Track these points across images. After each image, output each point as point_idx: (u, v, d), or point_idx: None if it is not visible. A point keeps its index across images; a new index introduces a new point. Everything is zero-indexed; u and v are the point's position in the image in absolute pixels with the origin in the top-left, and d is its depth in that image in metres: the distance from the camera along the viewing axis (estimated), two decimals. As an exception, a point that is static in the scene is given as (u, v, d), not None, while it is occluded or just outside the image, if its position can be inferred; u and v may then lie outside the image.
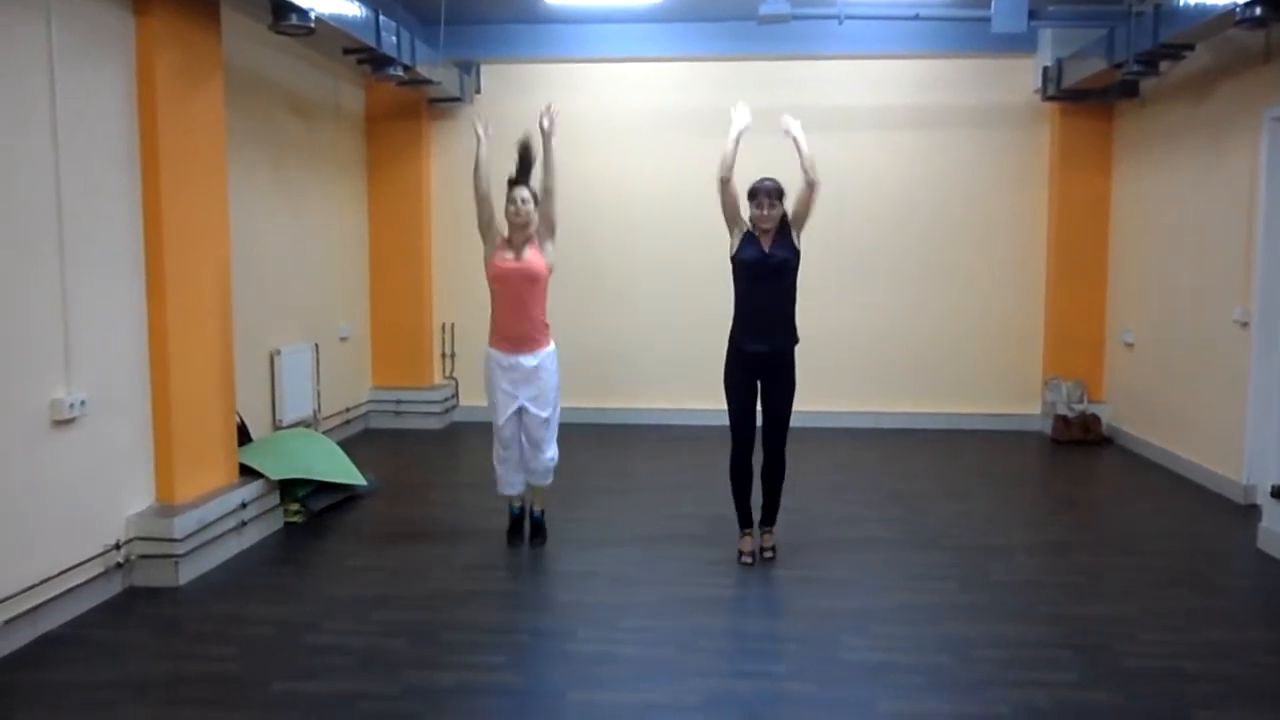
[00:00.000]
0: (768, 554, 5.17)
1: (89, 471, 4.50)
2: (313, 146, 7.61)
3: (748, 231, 4.95)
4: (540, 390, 5.17)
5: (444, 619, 4.40)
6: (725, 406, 5.09)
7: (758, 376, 5.02)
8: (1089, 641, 4.15)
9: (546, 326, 5.22)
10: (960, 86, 8.50)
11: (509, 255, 5.10)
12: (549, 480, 5.39)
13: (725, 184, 4.95)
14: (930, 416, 8.67)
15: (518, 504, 5.45)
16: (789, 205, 4.96)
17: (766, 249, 4.91)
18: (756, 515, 5.25)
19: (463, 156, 8.81)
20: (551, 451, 5.29)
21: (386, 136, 8.66)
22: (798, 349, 5.08)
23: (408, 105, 8.58)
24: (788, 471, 5.20)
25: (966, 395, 8.70)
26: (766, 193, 4.88)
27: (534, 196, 5.09)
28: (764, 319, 4.95)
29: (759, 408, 5.09)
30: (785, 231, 4.95)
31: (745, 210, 4.97)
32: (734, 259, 4.97)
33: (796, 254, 4.95)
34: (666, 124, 8.70)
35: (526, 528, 5.47)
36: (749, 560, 5.10)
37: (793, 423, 5.13)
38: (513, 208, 5.06)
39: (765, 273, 4.90)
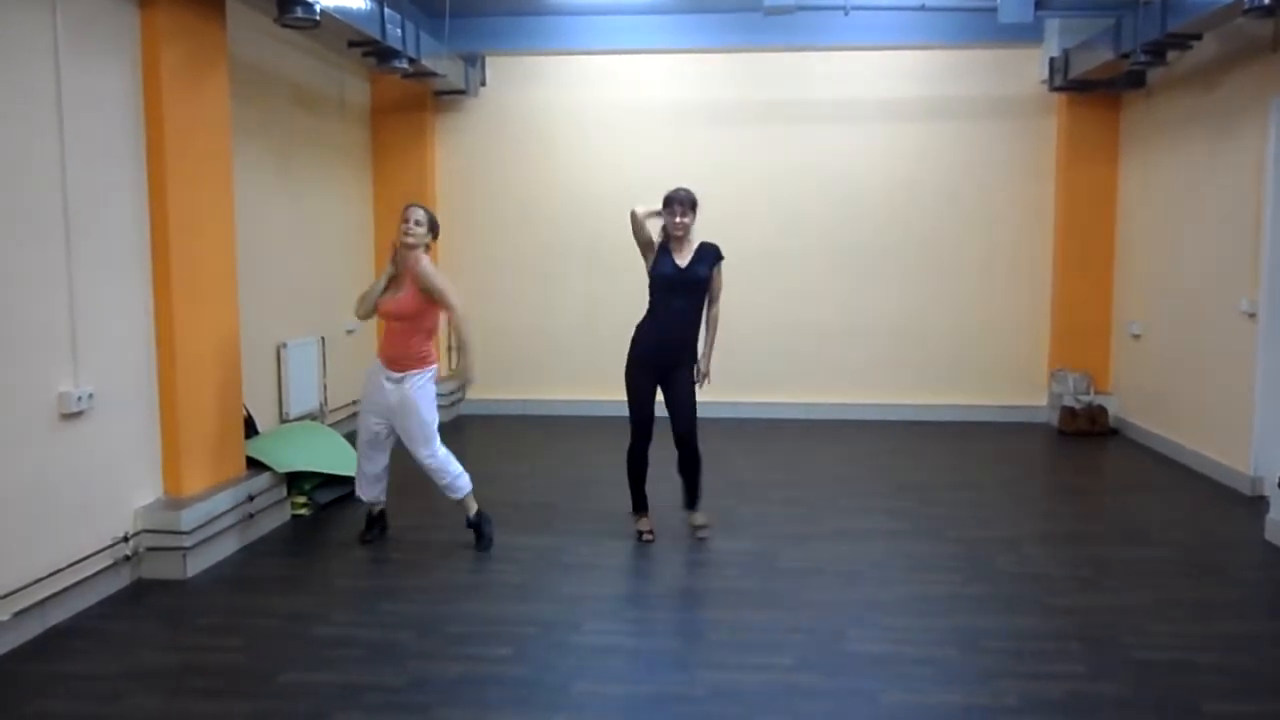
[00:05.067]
0: (703, 534, 5.33)
1: (97, 465, 4.51)
2: (318, 139, 7.61)
3: (662, 244, 5.17)
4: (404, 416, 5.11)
5: (450, 611, 4.41)
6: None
7: (658, 377, 5.23)
8: (1097, 633, 4.14)
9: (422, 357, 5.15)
10: (967, 77, 8.47)
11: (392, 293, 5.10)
12: (456, 493, 5.26)
13: (636, 219, 5.15)
14: (936, 408, 8.65)
15: (377, 509, 5.43)
16: (713, 279, 5.19)
17: (684, 265, 5.12)
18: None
19: (468, 149, 8.87)
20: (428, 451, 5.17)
21: (392, 129, 8.66)
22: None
23: (413, 98, 8.58)
24: (704, 460, 5.40)
25: (973, 387, 8.69)
26: (680, 201, 5.11)
27: (428, 219, 5.12)
28: (673, 329, 5.17)
29: (660, 406, 5.27)
30: (705, 253, 5.17)
31: (656, 231, 5.18)
32: (651, 273, 5.20)
33: (710, 275, 5.17)
34: (671, 116, 8.70)
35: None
36: (650, 537, 5.32)
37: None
38: (404, 226, 5.05)
39: (680, 286, 5.12)
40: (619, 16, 8.14)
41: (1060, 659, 3.91)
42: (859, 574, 4.86)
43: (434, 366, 5.20)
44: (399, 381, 5.09)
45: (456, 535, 5.38)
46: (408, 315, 5.05)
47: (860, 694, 3.63)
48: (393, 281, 5.14)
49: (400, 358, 5.08)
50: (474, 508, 5.30)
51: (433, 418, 5.17)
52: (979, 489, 6.44)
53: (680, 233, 5.11)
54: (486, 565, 5.03)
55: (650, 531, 5.36)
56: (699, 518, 5.38)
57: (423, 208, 5.15)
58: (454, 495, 5.26)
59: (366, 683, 3.71)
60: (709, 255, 5.17)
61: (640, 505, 5.43)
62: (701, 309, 5.22)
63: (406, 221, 5.06)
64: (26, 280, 4.13)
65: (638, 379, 5.24)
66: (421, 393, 5.11)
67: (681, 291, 5.12)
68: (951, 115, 8.53)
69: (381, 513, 5.44)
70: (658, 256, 5.16)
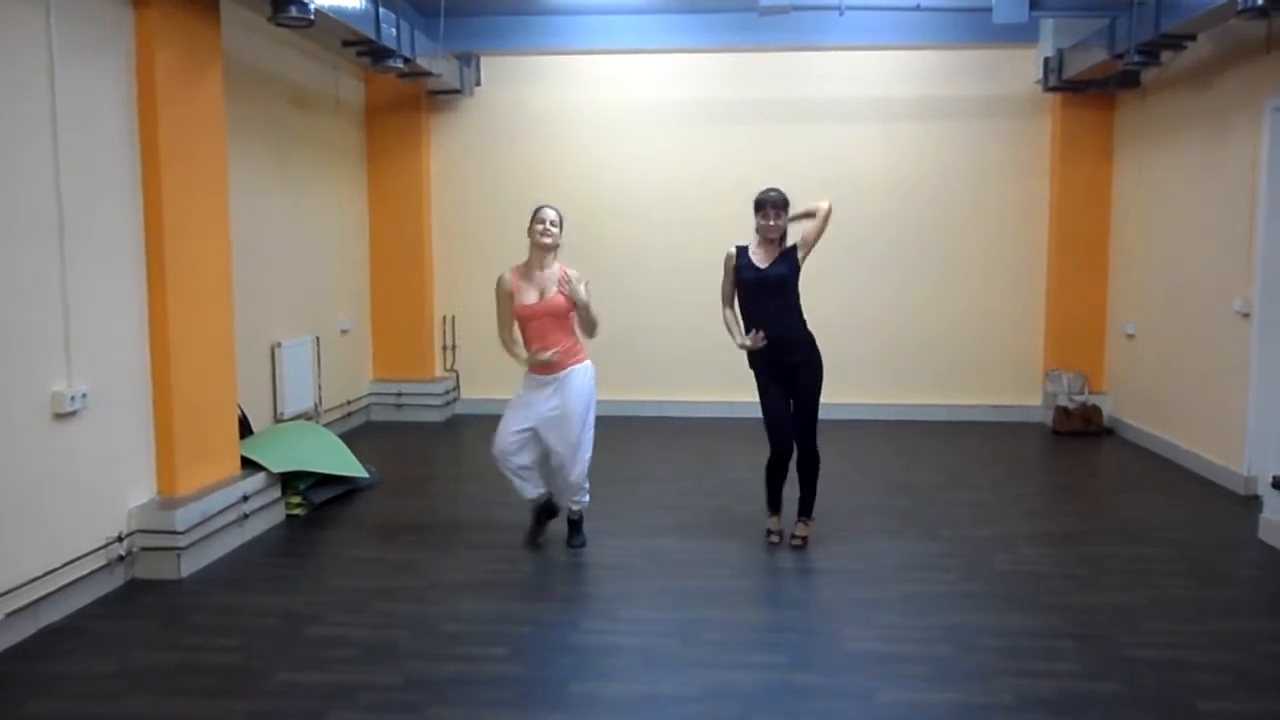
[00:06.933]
0: (796, 542, 5.23)
1: (91, 464, 4.50)
2: (313, 139, 7.60)
3: (740, 249, 5.10)
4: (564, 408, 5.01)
5: (446, 610, 4.41)
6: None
7: (782, 372, 5.11)
8: (1091, 631, 4.15)
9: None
10: (961, 77, 8.48)
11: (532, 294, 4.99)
12: (582, 505, 5.26)
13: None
14: (931, 408, 8.66)
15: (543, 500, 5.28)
16: (801, 229, 5.09)
17: (764, 266, 5.06)
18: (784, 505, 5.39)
19: (462, 149, 8.87)
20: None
21: (386, 129, 8.65)
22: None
23: (408, 97, 8.57)
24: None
25: (967, 386, 8.70)
26: (772, 204, 5.04)
27: (561, 218, 5.03)
28: (772, 329, 5.06)
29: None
30: (789, 250, 5.09)
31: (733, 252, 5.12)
32: (738, 280, 5.11)
33: (796, 269, 5.09)
34: (667, 115, 8.69)
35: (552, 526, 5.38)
36: (776, 539, 5.27)
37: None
38: (539, 227, 4.96)
39: (765, 290, 5.04)
40: (614, 16, 8.14)
41: (1055, 657, 3.91)
42: (854, 573, 4.87)
43: (589, 360, 5.12)
44: (558, 381, 4.99)
45: (452, 534, 5.38)
46: (562, 311, 4.97)
47: (856, 693, 3.63)
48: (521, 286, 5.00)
49: (559, 354, 4.99)
50: (580, 514, 5.29)
51: (593, 421, 5.09)
52: (974, 488, 6.45)
53: (774, 235, 5.04)
54: (483, 565, 5.02)
55: (778, 533, 5.31)
56: (802, 528, 5.28)
57: (553, 207, 5.03)
58: (578, 508, 5.23)
59: (362, 682, 3.70)
60: (790, 255, 5.08)
61: (775, 506, 5.35)
62: (794, 304, 5.10)
63: (542, 223, 4.95)
64: (20, 280, 4.12)
65: (766, 389, 5.15)
66: (585, 389, 5.04)
67: (766, 293, 5.02)
68: (946, 115, 8.54)
69: (547, 503, 5.27)
70: (739, 261, 5.07)
